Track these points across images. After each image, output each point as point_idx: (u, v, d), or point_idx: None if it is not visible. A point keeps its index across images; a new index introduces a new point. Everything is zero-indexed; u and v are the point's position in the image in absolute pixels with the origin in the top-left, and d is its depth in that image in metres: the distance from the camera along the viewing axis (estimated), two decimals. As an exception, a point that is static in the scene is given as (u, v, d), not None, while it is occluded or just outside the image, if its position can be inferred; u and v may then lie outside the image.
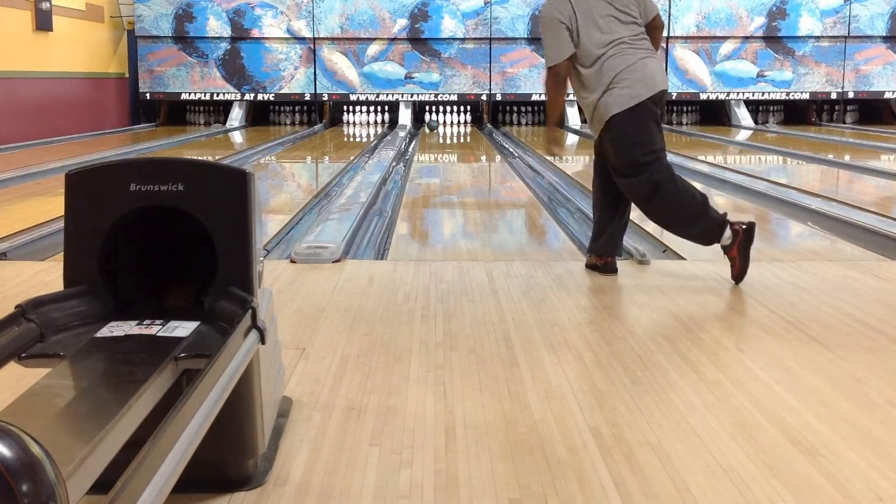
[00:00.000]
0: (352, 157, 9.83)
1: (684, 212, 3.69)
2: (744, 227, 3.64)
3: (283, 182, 8.58)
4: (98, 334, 1.73)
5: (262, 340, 1.84)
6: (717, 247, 5.02)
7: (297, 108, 15.09)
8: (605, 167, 3.87)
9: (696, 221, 3.68)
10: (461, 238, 5.40)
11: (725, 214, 3.70)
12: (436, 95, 14.69)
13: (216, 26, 14.48)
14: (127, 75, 14.49)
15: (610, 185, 3.84)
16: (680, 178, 3.74)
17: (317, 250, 4.21)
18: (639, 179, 3.67)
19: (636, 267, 4.07)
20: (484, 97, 14.71)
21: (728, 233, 3.64)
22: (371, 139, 12.79)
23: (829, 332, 3.06)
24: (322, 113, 14.90)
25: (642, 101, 3.69)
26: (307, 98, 14.71)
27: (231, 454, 1.88)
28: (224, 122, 14.49)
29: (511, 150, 11.07)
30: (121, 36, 14.36)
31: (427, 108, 14.91)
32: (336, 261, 4.15)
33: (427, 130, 13.96)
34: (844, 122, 15.04)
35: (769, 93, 14.79)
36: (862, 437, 2.18)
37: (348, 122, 15.00)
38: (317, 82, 14.60)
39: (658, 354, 2.82)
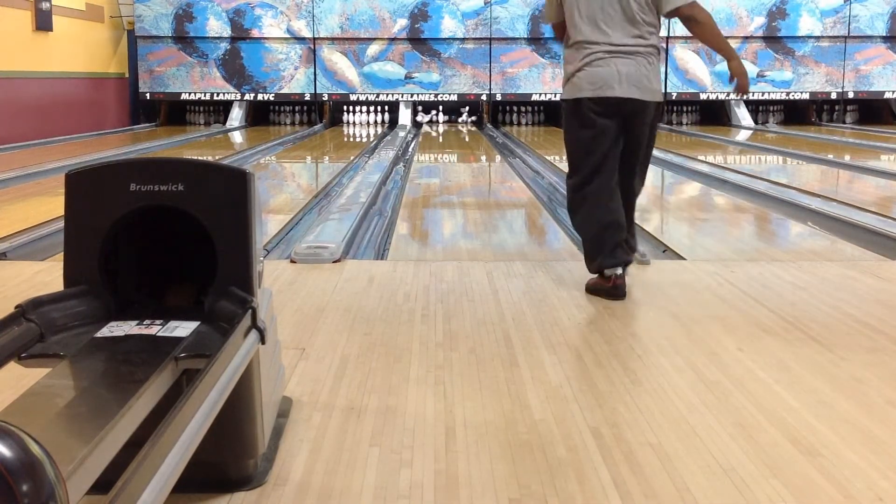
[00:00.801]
0: (352, 157, 9.83)
1: (585, 228, 3.62)
2: (612, 285, 3.48)
3: (283, 182, 8.58)
4: (98, 334, 1.73)
5: (262, 340, 1.84)
6: (717, 247, 5.02)
7: (297, 108, 15.10)
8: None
9: (588, 242, 3.61)
10: (461, 238, 5.40)
11: (620, 263, 3.51)
12: (436, 95, 14.70)
13: (216, 26, 14.48)
14: (127, 75, 14.49)
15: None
16: (598, 202, 3.56)
17: (317, 250, 4.21)
18: (569, 181, 3.71)
19: (636, 267, 4.06)
20: (484, 97, 14.71)
21: (616, 271, 3.49)
22: (371, 139, 12.79)
23: (829, 332, 3.06)
24: (322, 113, 14.91)
25: (581, 99, 3.54)
26: (307, 98, 14.71)
27: (231, 454, 1.87)
28: (224, 122, 14.49)
29: (511, 150, 11.07)
30: (121, 36, 14.36)
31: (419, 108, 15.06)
32: (336, 261, 4.15)
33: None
34: (844, 122, 15.05)
35: (769, 93, 14.79)
36: (862, 437, 2.18)
37: (348, 122, 15.01)
38: (317, 82, 14.60)
39: (658, 354, 2.82)
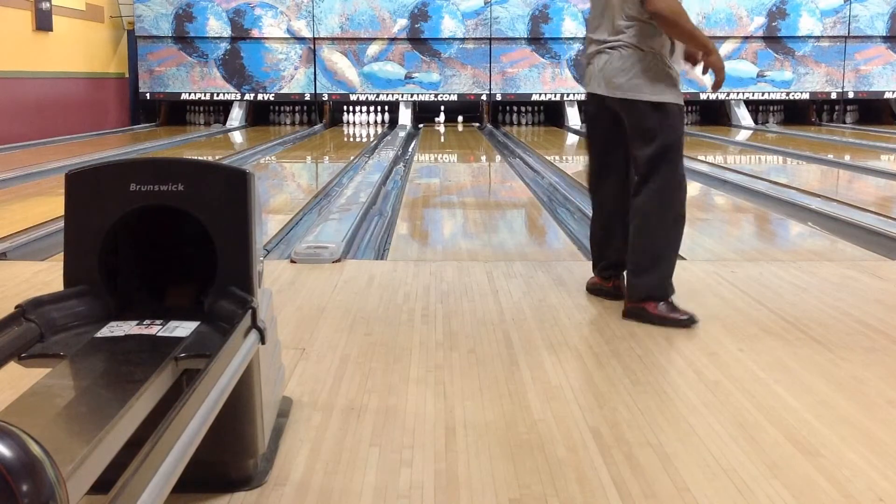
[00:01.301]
0: (352, 157, 9.83)
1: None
2: (612, 285, 3.48)
3: (283, 182, 8.58)
4: (98, 334, 1.73)
5: (262, 340, 1.84)
6: (717, 247, 5.02)
7: (297, 108, 15.10)
8: None
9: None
10: (461, 238, 5.40)
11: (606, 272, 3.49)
12: (436, 95, 14.70)
13: (216, 26, 14.48)
14: (127, 75, 14.49)
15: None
16: (595, 205, 3.55)
17: (317, 250, 4.21)
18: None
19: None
20: (484, 97, 14.71)
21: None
22: (371, 139, 12.79)
23: (829, 332, 3.06)
24: (322, 113, 14.91)
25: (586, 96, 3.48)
26: (307, 98, 14.71)
27: (231, 454, 1.88)
28: (224, 122, 14.49)
29: (511, 149, 11.07)
30: (121, 36, 14.37)
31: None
32: (336, 261, 4.15)
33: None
34: (844, 122, 15.05)
35: (769, 93, 14.79)
36: (862, 437, 2.18)
37: (348, 122, 15.01)
38: (317, 82, 14.60)
39: (658, 354, 2.82)
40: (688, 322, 3.11)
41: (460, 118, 15.28)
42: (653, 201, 3.19)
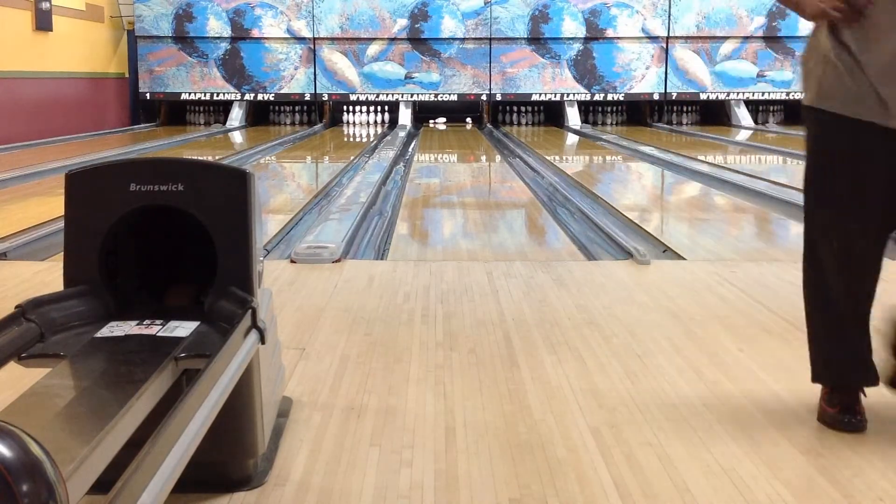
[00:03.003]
0: (352, 157, 9.83)
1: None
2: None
3: (283, 182, 8.58)
4: (98, 334, 1.73)
5: (262, 340, 1.84)
6: (717, 247, 5.02)
7: (297, 108, 15.10)
8: None
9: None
10: (461, 238, 5.40)
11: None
12: (436, 95, 14.70)
13: (216, 26, 14.49)
14: (127, 75, 14.49)
15: None
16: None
17: (317, 250, 4.21)
18: None
19: (636, 267, 4.07)
20: (484, 97, 14.72)
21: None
22: (371, 139, 12.79)
23: (829, 332, 3.06)
24: (322, 113, 14.91)
25: None
26: (307, 98, 14.71)
27: (231, 454, 1.88)
28: (224, 122, 14.50)
29: (511, 150, 11.07)
30: (121, 36, 14.37)
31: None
32: (336, 261, 4.15)
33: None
34: (844, 122, 15.02)
35: (769, 93, 14.79)
36: (862, 437, 2.18)
37: (348, 122, 15.01)
38: (317, 82, 14.61)
39: (658, 354, 2.82)
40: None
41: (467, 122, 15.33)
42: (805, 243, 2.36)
